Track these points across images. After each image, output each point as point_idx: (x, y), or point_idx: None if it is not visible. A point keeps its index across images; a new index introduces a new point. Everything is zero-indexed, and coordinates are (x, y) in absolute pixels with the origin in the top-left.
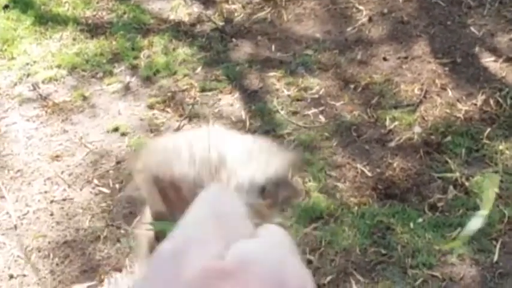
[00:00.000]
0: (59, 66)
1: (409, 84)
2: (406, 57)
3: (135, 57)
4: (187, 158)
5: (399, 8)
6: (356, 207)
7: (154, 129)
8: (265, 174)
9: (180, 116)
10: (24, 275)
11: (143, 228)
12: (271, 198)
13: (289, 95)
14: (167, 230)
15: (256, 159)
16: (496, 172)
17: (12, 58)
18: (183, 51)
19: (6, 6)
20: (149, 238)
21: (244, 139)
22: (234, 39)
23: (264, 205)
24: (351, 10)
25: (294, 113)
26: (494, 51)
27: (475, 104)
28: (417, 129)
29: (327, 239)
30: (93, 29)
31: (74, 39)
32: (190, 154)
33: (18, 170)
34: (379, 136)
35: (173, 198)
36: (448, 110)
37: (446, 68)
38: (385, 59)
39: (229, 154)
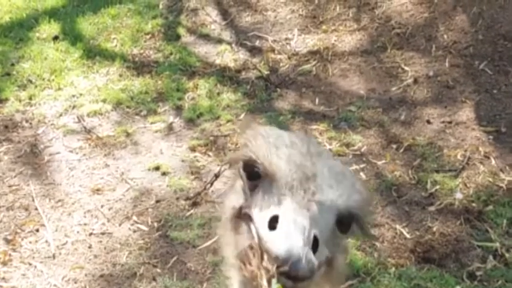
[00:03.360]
0: (104, 101)
1: (452, 149)
2: (450, 122)
3: (180, 99)
4: (286, 155)
5: (445, 72)
6: (393, 268)
7: (195, 172)
8: (348, 201)
9: (221, 160)
10: None
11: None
12: (344, 229)
13: (331, 149)
14: None
15: (343, 184)
16: None
17: (59, 89)
18: (227, 96)
19: (56, 37)
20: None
21: (336, 161)
22: (278, 89)
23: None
24: (396, 70)
25: None
26: None
27: None
28: (459, 195)
29: None
30: (140, 67)
31: (120, 76)
32: (290, 153)
33: (59, 200)
34: (420, 199)
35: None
36: (490, 179)
37: (491, 137)
38: (428, 121)
39: (321, 169)
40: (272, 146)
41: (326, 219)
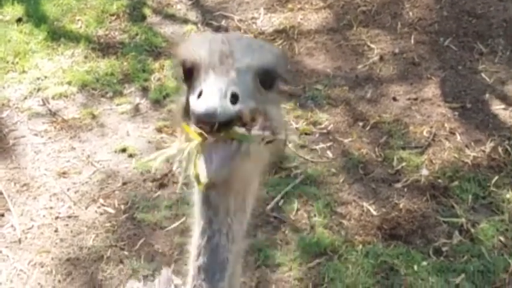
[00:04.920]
0: (69, 83)
1: (418, 126)
2: (415, 99)
3: (146, 80)
4: (207, 45)
5: (411, 49)
6: (360, 246)
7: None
8: (263, 61)
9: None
10: None
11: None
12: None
13: (297, 128)
14: None
15: (258, 50)
16: (502, 221)
17: (23, 72)
18: None
19: (19, 20)
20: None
21: (255, 40)
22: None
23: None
24: (362, 48)
25: (302, 147)
26: (504, 99)
27: (484, 151)
28: (424, 171)
29: (330, 276)
30: (105, 48)
31: (86, 57)
32: (210, 43)
33: (25, 184)
34: (386, 176)
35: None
36: (456, 155)
37: (456, 113)
38: (394, 99)
39: (238, 46)
40: (196, 42)
41: (245, 79)
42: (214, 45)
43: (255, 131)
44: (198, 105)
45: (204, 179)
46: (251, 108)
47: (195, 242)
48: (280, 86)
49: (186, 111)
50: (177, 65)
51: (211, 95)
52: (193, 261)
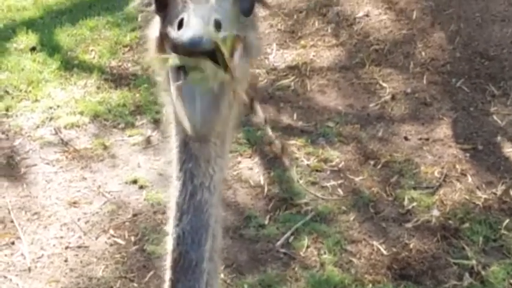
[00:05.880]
0: (81, 113)
1: (429, 166)
2: (427, 139)
3: (158, 112)
4: None
5: (423, 89)
6: (370, 285)
7: None
8: None
9: None
10: None
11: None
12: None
13: (308, 165)
14: None
15: None
16: None
17: (36, 100)
18: None
19: (33, 48)
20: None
21: None
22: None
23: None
24: (374, 86)
25: (313, 183)
26: None
27: (495, 193)
28: (435, 212)
29: None
30: (118, 80)
31: (98, 88)
32: None
33: (36, 213)
34: (397, 215)
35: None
36: (467, 196)
37: (467, 154)
38: (406, 138)
39: None
40: None
41: (225, 6)
42: None
43: (237, 59)
44: (182, 35)
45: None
46: (234, 35)
47: (175, 201)
48: (258, 11)
49: (161, 45)
50: None
51: (194, 22)
52: (174, 225)
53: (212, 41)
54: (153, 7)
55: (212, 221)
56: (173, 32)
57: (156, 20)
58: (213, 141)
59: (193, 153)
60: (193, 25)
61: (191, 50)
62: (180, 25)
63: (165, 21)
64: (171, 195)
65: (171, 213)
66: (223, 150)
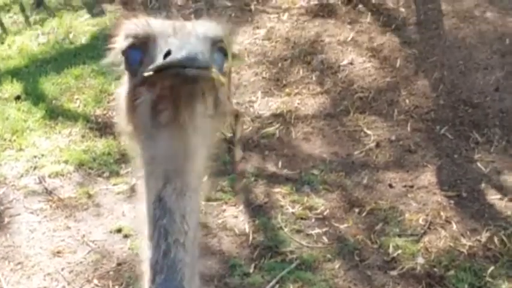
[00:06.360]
0: (66, 162)
1: (413, 214)
2: (411, 186)
3: None
4: (160, 22)
5: (407, 137)
6: None
7: None
8: (214, 31)
9: None
10: None
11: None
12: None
13: (293, 213)
14: None
15: (207, 23)
16: None
17: (21, 149)
18: None
19: (18, 97)
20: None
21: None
22: (241, 152)
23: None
24: (359, 134)
25: (298, 231)
26: (500, 188)
27: (479, 241)
28: (420, 259)
29: None
30: (103, 128)
31: (83, 136)
32: (162, 20)
33: (19, 263)
34: (382, 263)
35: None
36: (452, 244)
37: (452, 201)
38: (390, 185)
39: (190, 23)
40: (144, 19)
41: (203, 46)
42: (165, 21)
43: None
44: (176, 53)
45: None
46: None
47: (147, 262)
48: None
49: (131, 101)
50: (124, 40)
51: (184, 45)
52: (148, 286)
53: (207, 59)
54: (123, 66)
55: (186, 282)
56: (162, 59)
57: (126, 78)
58: (188, 194)
59: (168, 208)
60: (183, 45)
61: (187, 65)
62: (167, 54)
63: (144, 65)
64: (143, 254)
65: (143, 270)
66: (197, 203)
